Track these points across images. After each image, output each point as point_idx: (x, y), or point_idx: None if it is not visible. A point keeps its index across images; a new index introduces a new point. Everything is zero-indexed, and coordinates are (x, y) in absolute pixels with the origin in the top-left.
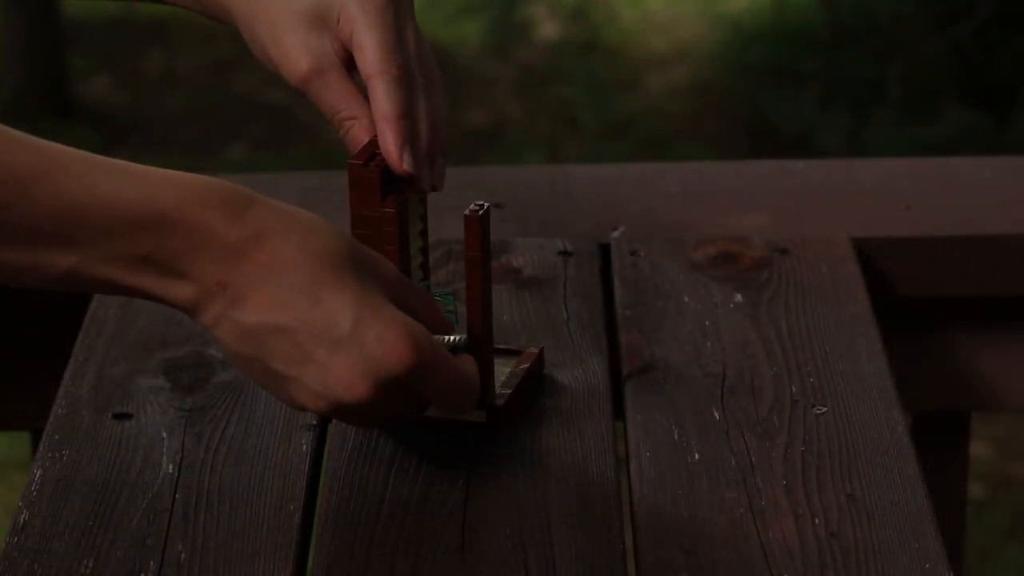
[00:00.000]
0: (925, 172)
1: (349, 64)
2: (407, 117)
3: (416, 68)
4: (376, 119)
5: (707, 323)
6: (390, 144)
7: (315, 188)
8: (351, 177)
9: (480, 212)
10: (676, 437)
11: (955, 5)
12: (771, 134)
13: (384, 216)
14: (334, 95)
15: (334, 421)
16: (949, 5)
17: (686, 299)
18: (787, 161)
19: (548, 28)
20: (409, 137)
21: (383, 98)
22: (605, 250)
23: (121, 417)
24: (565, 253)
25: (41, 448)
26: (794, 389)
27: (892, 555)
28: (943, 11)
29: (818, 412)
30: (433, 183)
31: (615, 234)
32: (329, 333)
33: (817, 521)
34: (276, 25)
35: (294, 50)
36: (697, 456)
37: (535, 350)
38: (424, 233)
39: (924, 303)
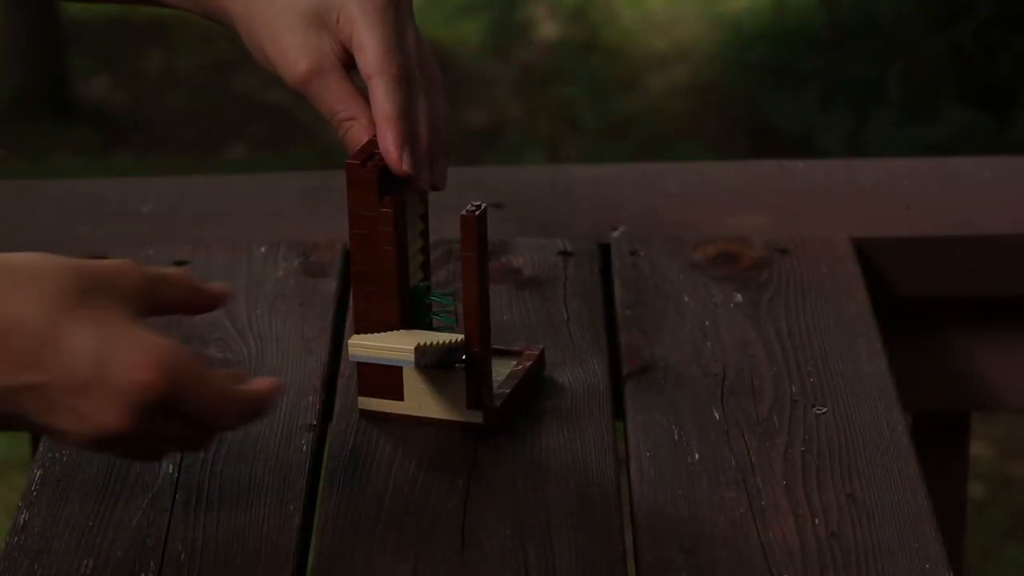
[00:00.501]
0: (925, 172)
1: (348, 64)
2: (407, 117)
3: (416, 68)
4: (376, 119)
5: (707, 323)
6: (389, 144)
7: (315, 188)
8: (349, 177)
9: (476, 212)
10: (676, 437)
11: (955, 5)
12: (771, 134)
13: (381, 216)
14: (333, 95)
15: (334, 420)
16: (949, 5)
17: (686, 299)
18: (787, 161)
19: (548, 28)
20: (409, 137)
21: (383, 98)
22: (605, 250)
23: None
24: (565, 253)
25: (41, 448)
26: (794, 389)
27: (892, 555)
28: (943, 11)
29: (818, 412)
30: (434, 182)
31: (615, 234)
32: (71, 380)
33: (817, 521)
34: (274, 25)
35: (293, 50)
36: (697, 456)
37: (535, 351)
38: (425, 233)
39: (924, 303)
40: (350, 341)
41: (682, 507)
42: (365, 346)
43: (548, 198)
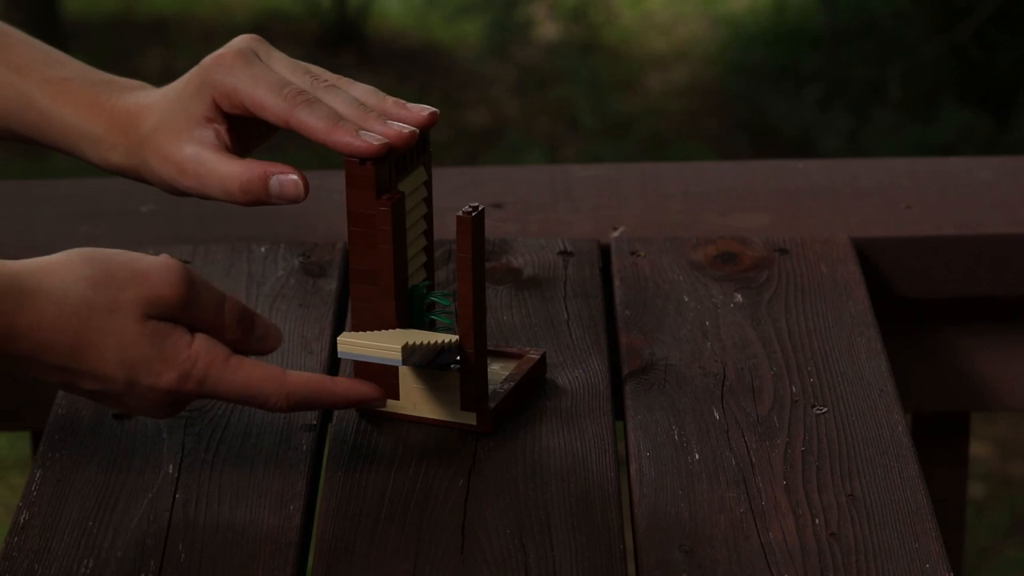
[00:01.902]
0: (925, 172)
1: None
2: (338, 118)
3: (311, 84)
4: (322, 140)
5: (707, 323)
6: (350, 143)
7: (315, 188)
8: (348, 175)
9: (473, 214)
10: (676, 437)
11: (955, 5)
12: (771, 134)
13: (379, 215)
14: (224, 165)
15: (334, 421)
16: (949, 5)
17: (686, 299)
18: (787, 161)
19: (548, 28)
20: (356, 127)
21: (312, 121)
22: (605, 250)
23: (121, 417)
24: (565, 253)
25: (41, 448)
26: (794, 389)
27: (892, 555)
28: (943, 11)
29: (818, 412)
30: (421, 120)
31: (615, 234)
32: (110, 389)
33: (817, 521)
34: (161, 142)
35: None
36: (697, 456)
37: (536, 355)
38: (429, 233)
39: (924, 303)
40: (339, 338)
41: (682, 507)
42: (353, 343)
43: (548, 198)
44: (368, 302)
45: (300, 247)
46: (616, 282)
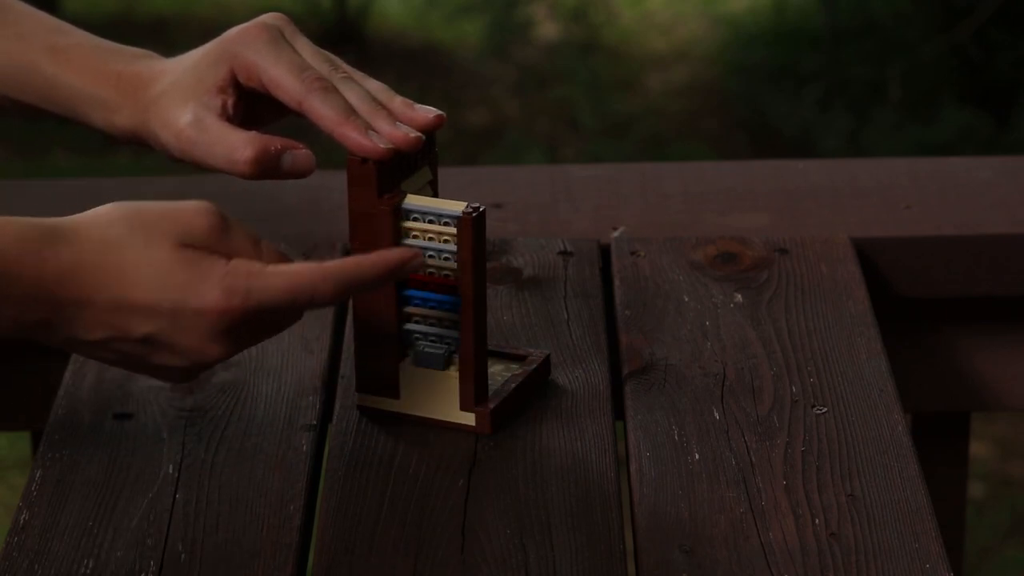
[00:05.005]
0: (925, 172)
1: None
2: (352, 111)
3: (329, 72)
4: (330, 131)
5: (707, 323)
6: (359, 141)
7: (315, 187)
8: (350, 174)
9: (474, 214)
10: (676, 437)
11: (955, 5)
12: (771, 134)
13: (380, 213)
14: (230, 135)
15: (334, 421)
16: (949, 5)
17: (686, 299)
18: (787, 161)
19: (548, 28)
20: (366, 124)
21: (323, 110)
22: (605, 250)
23: (121, 417)
24: (565, 253)
25: (41, 448)
26: (794, 389)
27: (892, 555)
28: (943, 11)
29: (818, 412)
30: (427, 123)
31: (615, 234)
32: (162, 328)
33: (817, 521)
34: (162, 105)
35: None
36: (697, 456)
37: (539, 356)
38: None
39: (924, 303)
40: (408, 195)
41: (682, 507)
42: (419, 199)
43: (548, 198)
44: (369, 302)
45: (300, 247)
46: (616, 282)
